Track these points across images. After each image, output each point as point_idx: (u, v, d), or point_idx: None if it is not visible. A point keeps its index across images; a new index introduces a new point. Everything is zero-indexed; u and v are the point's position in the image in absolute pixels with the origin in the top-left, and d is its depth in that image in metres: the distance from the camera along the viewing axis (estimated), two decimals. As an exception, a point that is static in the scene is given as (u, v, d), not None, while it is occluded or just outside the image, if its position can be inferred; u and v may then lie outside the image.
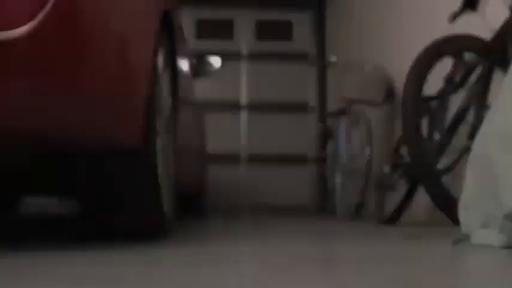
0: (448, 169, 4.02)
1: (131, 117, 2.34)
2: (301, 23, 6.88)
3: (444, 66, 4.05)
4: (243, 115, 7.45)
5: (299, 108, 6.81)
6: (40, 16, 1.96)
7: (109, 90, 2.19)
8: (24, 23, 1.95)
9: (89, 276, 1.73)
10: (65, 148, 2.31)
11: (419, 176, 3.95)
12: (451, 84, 4.00)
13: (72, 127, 2.11)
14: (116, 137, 2.30)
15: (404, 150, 4.38)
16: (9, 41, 1.94)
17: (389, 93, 5.42)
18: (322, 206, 6.60)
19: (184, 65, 3.89)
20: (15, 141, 2.25)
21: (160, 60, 2.72)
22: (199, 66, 5.14)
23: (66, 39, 2.01)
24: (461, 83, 3.99)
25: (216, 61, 5.14)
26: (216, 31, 7.84)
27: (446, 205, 3.71)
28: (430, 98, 4.01)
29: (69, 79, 2.03)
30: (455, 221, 3.35)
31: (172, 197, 2.97)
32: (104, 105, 2.16)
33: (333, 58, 5.84)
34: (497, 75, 3.88)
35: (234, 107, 7.69)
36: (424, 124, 3.99)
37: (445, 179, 3.94)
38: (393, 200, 4.58)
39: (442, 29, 4.05)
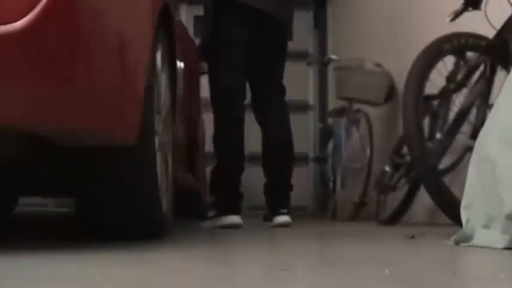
0: (450, 169, 3.99)
1: (129, 116, 2.32)
2: (302, 21, 6.85)
3: (446, 65, 4.02)
4: (243, 114, 7.43)
5: (299, 107, 6.79)
6: (36, 11, 1.93)
7: (106, 88, 2.16)
8: (20, 18, 1.93)
9: (88, 276, 1.71)
10: (62, 147, 2.29)
11: (420, 176, 3.92)
12: (453, 84, 3.98)
13: (69, 125, 2.09)
14: (113, 136, 2.28)
15: (405, 150, 4.36)
16: (5, 36, 1.91)
17: (390, 92, 5.39)
18: (322, 205, 6.58)
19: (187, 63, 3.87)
20: (11, 139, 2.23)
21: (159, 58, 2.70)
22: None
23: (63, 35, 1.98)
24: (463, 82, 3.97)
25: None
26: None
27: (448, 205, 3.68)
28: (431, 97, 3.99)
29: (66, 76, 2.01)
30: (456, 221, 3.33)
31: (171, 196, 2.95)
32: (101, 103, 2.14)
33: (333, 57, 5.82)
34: (499, 74, 3.85)
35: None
36: (426, 124, 3.96)
37: (447, 179, 3.91)
38: (394, 200, 4.55)
39: (444, 27, 4.02)
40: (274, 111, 4.13)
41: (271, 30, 4.02)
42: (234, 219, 3.84)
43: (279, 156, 4.11)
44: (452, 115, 3.98)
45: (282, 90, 4.21)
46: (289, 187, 4.15)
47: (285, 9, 4.06)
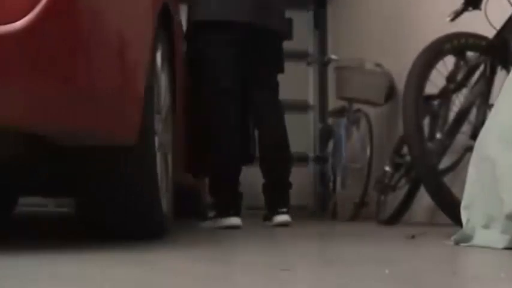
0: (450, 169, 3.99)
1: (129, 116, 2.31)
2: (302, 21, 6.84)
3: (446, 65, 4.02)
4: (243, 114, 7.41)
5: (299, 107, 6.78)
6: (36, 11, 1.93)
7: (106, 88, 2.16)
8: (20, 18, 1.93)
9: (88, 276, 1.71)
10: (62, 146, 2.29)
11: (420, 176, 3.92)
12: (453, 84, 3.98)
13: (69, 125, 2.09)
14: (113, 136, 2.28)
15: (405, 150, 4.36)
16: (5, 36, 1.91)
17: (390, 92, 5.39)
18: (322, 205, 6.58)
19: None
20: (11, 139, 2.23)
21: (159, 58, 2.70)
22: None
23: (63, 35, 1.98)
24: (463, 82, 3.97)
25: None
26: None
27: (448, 205, 3.68)
28: (431, 97, 3.99)
29: (66, 76, 2.01)
30: (456, 221, 3.33)
31: (171, 196, 2.95)
32: (101, 103, 2.13)
33: (333, 57, 5.81)
34: (499, 74, 3.85)
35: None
36: (426, 124, 3.96)
37: (447, 179, 3.91)
38: (394, 200, 4.55)
39: (444, 27, 4.02)
40: (269, 112, 4.14)
41: (263, 35, 4.03)
42: (234, 220, 3.85)
43: (275, 156, 4.12)
44: (452, 115, 3.97)
45: (275, 88, 4.20)
46: (288, 186, 4.16)
47: (272, 17, 4.06)
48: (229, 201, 3.93)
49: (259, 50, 4.07)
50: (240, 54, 3.99)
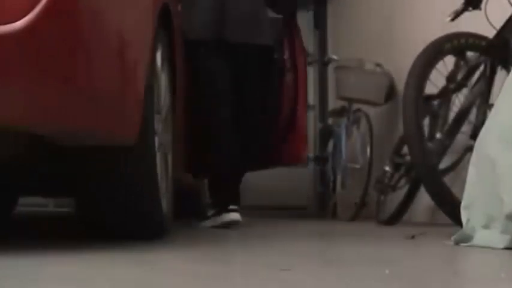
0: (450, 169, 3.99)
1: (129, 116, 2.31)
2: (302, 21, 6.84)
3: (446, 65, 4.02)
4: (243, 114, 7.39)
5: (299, 107, 6.77)
6: (36, 11, 1.93)
7: (106, 88, 2.16)
8: (20, 18, 1.93)
9: (88, 276, 1.71)
10: (62, 147, 2.29)
11: (420, 176, 3.92)
12: (453, 84, 3.97)
13: (69, 125, 2.09)
14: (113, 136, 2.28)
15: (405, 150, 4.35)
16: (5, 36, 1.92)
17: (390, 92, 5.38)
18: (322, 205, 6.58)
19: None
20: (11, 139, 2.23)
21: (159, 58, 2.69)
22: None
23: (63, 35, 1.98)
24: (463, 82, 3.97)
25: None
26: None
27: (448, 205, 3.68)
28: (431, 97, 3.99)
29: (66, 76, 2.01)
30: (456, 221, 3.33)
31: (171, 196, 2.94)
32: (101, 103, 2.14)
33: (333, 57, 5.80)
34: (499, 74, 3.85)
35: (234, 106, 7.57)
36: (426, 124, 3.96)
37: (447, 179, 3.91)
38: (394, 200, 4.54)
39: (444, 27, 4.02)
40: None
41: (247, 49, 4.02)
42: (234, 216, 3.85)
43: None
44: (452, 115, 3.97)
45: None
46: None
47: (257, 32, 4.03)
48: (228, 199, 3.93)
49: (245, 63, 4.04)
50: (230, 58, 3.97)
